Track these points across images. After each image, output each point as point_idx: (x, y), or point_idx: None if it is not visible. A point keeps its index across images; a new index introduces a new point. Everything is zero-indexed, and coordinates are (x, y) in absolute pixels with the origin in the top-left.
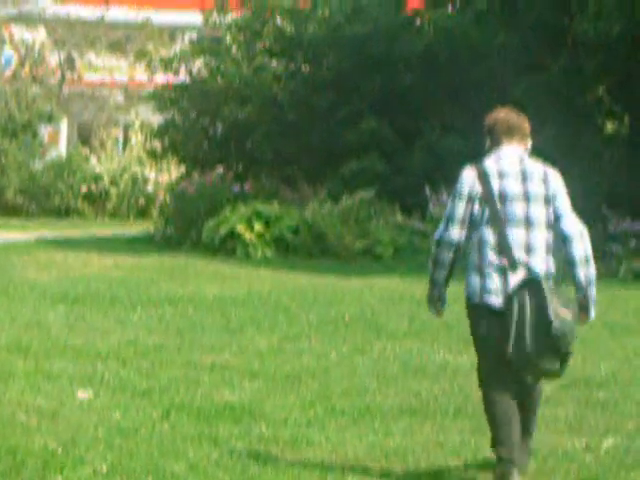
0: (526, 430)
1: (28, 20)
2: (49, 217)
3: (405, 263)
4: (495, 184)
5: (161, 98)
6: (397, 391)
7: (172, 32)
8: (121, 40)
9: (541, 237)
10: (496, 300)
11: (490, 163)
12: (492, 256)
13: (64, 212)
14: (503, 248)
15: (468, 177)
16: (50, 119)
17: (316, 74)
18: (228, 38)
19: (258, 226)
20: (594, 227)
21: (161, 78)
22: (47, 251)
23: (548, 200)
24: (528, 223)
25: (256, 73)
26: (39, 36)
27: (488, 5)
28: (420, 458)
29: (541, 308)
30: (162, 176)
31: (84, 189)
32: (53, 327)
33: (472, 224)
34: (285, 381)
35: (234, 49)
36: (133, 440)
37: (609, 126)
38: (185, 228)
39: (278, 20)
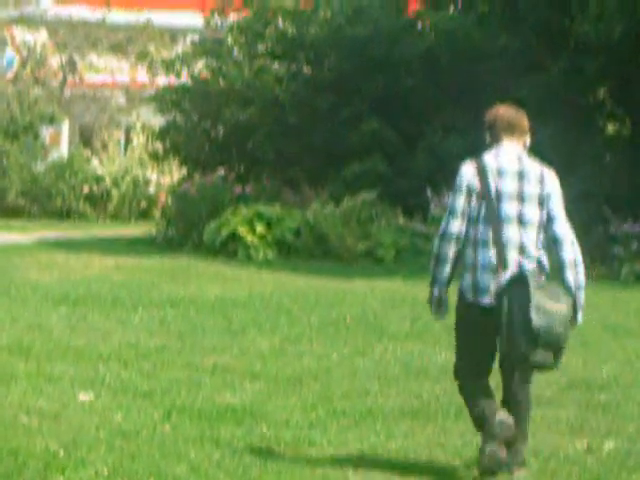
0: (521, 433)
1: (30, 22)
2: (51, 218)
3: (407, 265)
4: (492, 181)
5: (163, 100)
6: (398, 393)
7: (173, 34)
8: (122, 42)
9: (533, 236)
10: (487, 299)
11: (489, 159)
12: (486, 254)
13: (65, 213)
14: (497, 246)
15: (467, 171)
16: (52, 120)
17: (318, 76)
18: (230, 40)
19: (260, 228)
20: (595, 229)
21: (163, 80)
22: (49, 252)
23: (542, 200)
24: (521, 222)
25: (258, 75)
26: (41, 38)
27: (490, 7)
28: (421, 459)
29: (526, 305)
30: (164, 178)
31: (86, 190)
32: (54, 329)
33: (469, 220)
34: (286, 383)
35: (236, 51)
36: (134, 442)
37: (610, 128)
38: (187, 230)
39: (280, 22)
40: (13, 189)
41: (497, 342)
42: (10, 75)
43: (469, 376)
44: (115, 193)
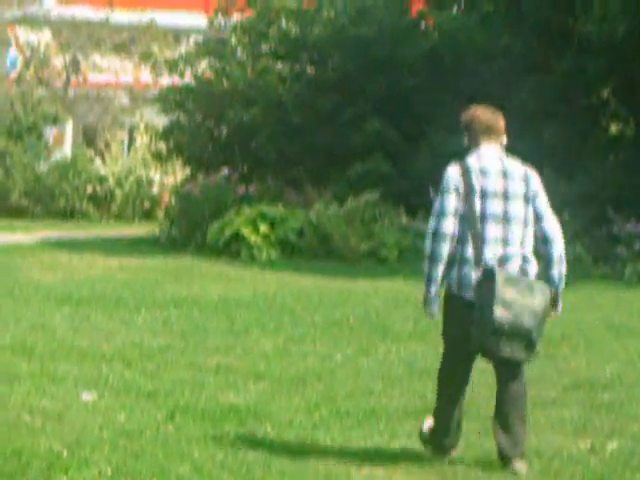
0: (521, 427)
1: (33, 22)
2: (54, 219)
3: (410, 265)
4: (477, 181)
5: (166, 100)
6: (402, 393)
7: (177, 34)
8: (126, 42)
9: (517, 232)
10: (470, 293)
11: (472, 161)
12: (471, 251)
13: (69, 213)
14: (478, 242)
15: (453, 173)
16: (55, 121)
17: (321, 76)
18: (233, 40)
19: (263, 228)
20: (598, 229)
21: (166, 80)
22: (52, 253)
23: (527, 199)
24: (506, 220)
25: (261, 75)
26: (44, 38)
27: (493, 7)
28: (425, 460)
29: (491, 298)
30: (167, 178)
31: (89, 191)
32: (58, 329)
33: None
34: (290, 383)
35: (239, 51)
36: (138, 442)
37: (614, 128)
38: (190, 230)
39: (283, 22)
40: (16, 189)
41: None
42: (13, 75)
43: (452, 369)
44: (118, 193)
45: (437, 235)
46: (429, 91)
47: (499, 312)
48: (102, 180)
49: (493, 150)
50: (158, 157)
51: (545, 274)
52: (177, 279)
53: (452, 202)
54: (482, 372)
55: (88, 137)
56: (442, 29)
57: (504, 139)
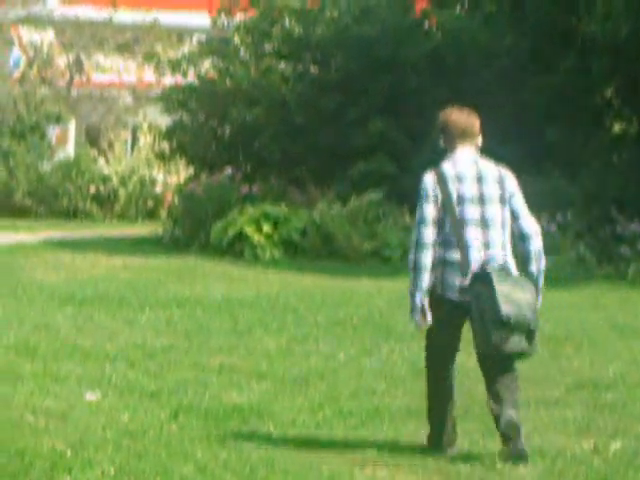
0: (511, 405)
1: (36, 22)
2: (57, 218)
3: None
4: (453, 187)
5: (169, 99)
6: (405, 392)
7: (180, 33)
8: (129, 41)
9: (497, 235)
10: (454, 294)
11: (448, 167)
12: (452, 254)
13: (72, 213)
14: (462, 247)
15: (429, 181)
16: (58, 120)
17: (324, 76)
18: (236, 39)
19: (266, 227)
20: (602, 229)
21: (169, 79)
22: (55, 252)
23: (504, 201)
24: (484, 223)
25: (264, 75)
26: (47, 38)
27: (496, 7)
28: (428, 459)
29: (492, 297)
30: (170, 177)
31: (92, 190)
32: (61, 329)
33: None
34: (293, 383)
35: (242, 50)
36: (141, 442)
37: (617, 127)
38: (193, 229)
39: (286, 21)
40: (20, 189)
41: (461, 335)
42: (17, 75)
43: (438, 368)
44: (122, 193)
45: (419, 245)
46: (432, 91)
47: (504, 307)
48: (105, 180)
49: (468, 153)
50: (161, 157)
51: (524, 270)
52: (180, 279)
53: (430, 211)
54: None
55: (91, 137)
56: (445, 29)
57: (479, 140)
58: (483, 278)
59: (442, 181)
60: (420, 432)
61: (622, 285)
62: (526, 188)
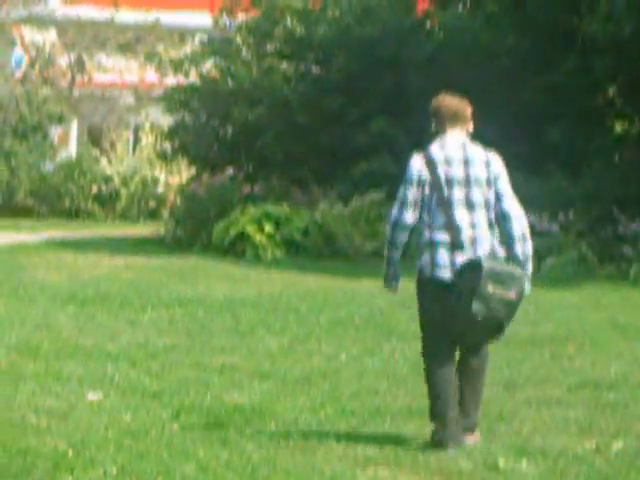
0: (474, 400)
1: (38, 22)
2: (59, 218)
3: (415, 264)
4: (441, 170)
5: (171, 99)
6: (407, 392)
7: (182, 33)
8: (131, 41)
9: (483, 217)
10: (445, 273)
11: (436, 150)
12: (441, 235)
13: (74, 213)
14: (450, 228)
15: (416, 164)
16: (60, 120)
17: (326, 75)
18: (238, 39)
19: (268, 227)
20: (604, 228)
21: (171, 79)
22: (57, 252)
23: (490, 183)
24: (470, 205)
25: (266, 75)
26: (49, 37)
27: (498, 6)
28: (430, 459)
29: (472, 291)
30: (172, 177)
31: (94, 190)
32: (63, 328)
33: (423, 206)
34: (295, 382)
35: (244, 50)
36: (143, 441)
37: (619, 127)
38: (195, 229)
39: (288, 21)
40: (22, 189)
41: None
42: (19, 75)
43: (435, 360)
44: (124, 193)
45: (397, 225)
46: (434, 91)
47: (475, 306)
48: (107, 180)
49: (457, 137)
50: (163, 157)
51: (509, 253)
52: (182, 279)
53: (413, 193)
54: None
55: (93, 137)
56: (447, 28)
57: (470, 126)
58: (475, 268)
59: (430, 164)
60: (422, 432)
61: (624, 285)
62: (528, 188)
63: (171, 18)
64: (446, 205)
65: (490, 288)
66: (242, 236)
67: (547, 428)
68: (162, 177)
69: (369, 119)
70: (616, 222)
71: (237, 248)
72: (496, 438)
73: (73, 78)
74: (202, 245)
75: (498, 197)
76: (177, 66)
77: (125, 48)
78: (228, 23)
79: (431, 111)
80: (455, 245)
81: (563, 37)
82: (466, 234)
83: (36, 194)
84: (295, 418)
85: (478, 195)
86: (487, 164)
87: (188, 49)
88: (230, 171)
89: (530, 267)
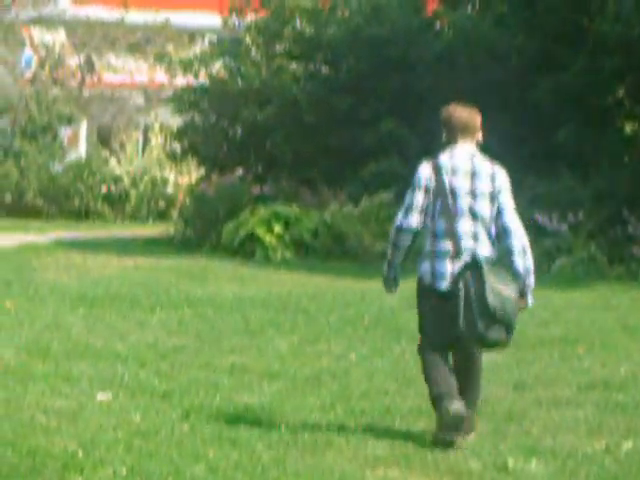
0: (469, 400)
1: (48, 22)
2: (69, 219)
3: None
4: (447, 180)
5: (181, 100)
6: (416, 392)
7: (192, 34)
8: (140, 42)
9: (484, 229)
10: (444, 283)
11: (445, 159)
12: (442, 244)
13: (84, 214)
14: (452, 237)
15: (424, 171)
16: (70, 121)
17: (335, 76)
18: (247, 40)
19: (277, 228)
20: (613, 229)
21: (181, 80)
22: (67, 253)
23: (493, 196)
24: (474, 216)
25: (275, 75)
26: (59, 38)
27: (508, 7)
28: (440, 460)
29: (481, 287)
30: (182, 178)
31: (104, 191)
32: (73, 329)
33: (427, 213)
34: (305, 383)
35: (253, 51)
36: (153, 442)
37: (628, 128)
38: (204, 230)
39: (297, 21)
40: (31, 189)
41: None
42: (28, 75)
43: (430, 352)
44: (133, 193)
45: (402, 229)
46: (443, 91)
47: (491, 299)
48: (117, 180)
49: (467, 148)
50: (173, 157)
51: (509, 267)
52: (192, 279)
53: (420, 199)
54: (494, 372)
55: (103, 137)
56: (456, 28)
57: (480, 136)
58: (474, 268)
59: (437, 172)
60: (432, 432)
61: (633, 286)
62: (537, 189)
63: (181, 18)
64: (449, 214)
65: (495, 282)
66: (251, 237)
67: (557, 428)
68: (171, 177)
69: (378, 119)
70: (626, 222)
71: (246, 248)
72: (506, 438)
73: (82, 78)
74: (211, 245)
75: (499, 211)
76: (186, 66)
77: (135, 48)
78: (237, 23)
79: (442, 121)
80: (456, 255)
81: (572, 37)
82: (467, 244)
83: (45, 194)
84: (305, 418)
85: (482, 207)
86: (492, 178)
87: (197, 49)
88: (239, 171)
89: (532, 280)
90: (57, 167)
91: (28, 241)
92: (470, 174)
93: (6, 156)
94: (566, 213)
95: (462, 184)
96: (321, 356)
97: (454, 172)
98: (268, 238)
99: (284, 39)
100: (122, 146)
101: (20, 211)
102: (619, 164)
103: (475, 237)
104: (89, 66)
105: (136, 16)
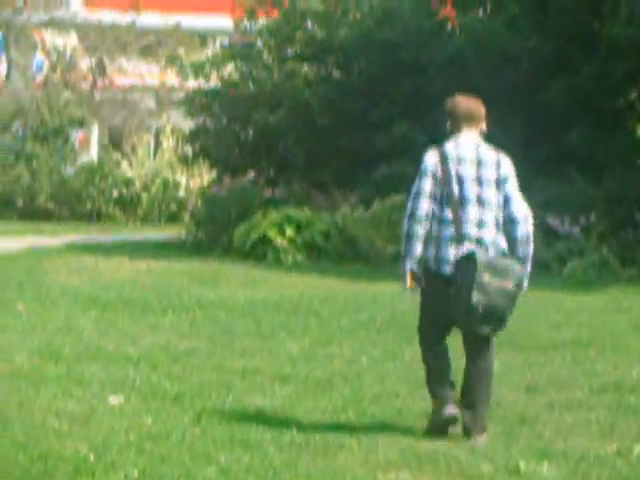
0: (480, 400)
1: (59, 25)
2: (80, 222)
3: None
4: (453, 168)
5: (192, 103)
6: (428, 395)
7: (203, 37)
8: (152, 45)
9: (491, 216)
10: (447, 268)
11: (450, 148)
12: (448, 230)
13: (95, 217)
14: (458, 224)
15: (431, 158)
16: (81, 124)
17: (347, 79)
18: (259, 43)
19: (289, 231)
20: (625, 232)
21: (192, 83)
22: (78, 256)
23: (499, 184)
24: (480, 203)
25: (287, 78)
26: (70, 41)
27: (520, 9)
28: (451, 462)
29: (470, 283)
30: (193, 181)
31: (115, 194)
32: (84, 332)
33: (433, 200)
34: (316, 386)
35: (265, 54)
36: (164, 445)
37: (639, 130)
38: (216, 233)
39: (309, 24)
40: (43, 192)
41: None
42: (40, 79)
43: (430, 342)
44: (145, 196)
45: (414, 216)
46: (455, 93)
47: (475, 296)
48: (128, 183)
49: (472, 137)
50: (184, 160)
51: (511, 254)
52: (203, 282)
53: (428, 185)
54: (506, 375)
55: (114, 140)
56: (467, 31)
57: (484, 126)
58: (470, 260)
59: (443, 160)
60: (443, 436)
61: None
62: (549, 191)
63: (192, 21)
64: (455, 202)
65: (486, 278)
66: (263, 239)
67: (569, 431)
68: (183, 180)
69: (390, 122)
70: (637, 225)
71: (258, 251)
72: (517, 441)
73: (94, 81)
74: (223, 249)
75: (506, 200)
76: (198, 70)
77: (146, 52)
78: (249, 26)
79: (446, 111)
80: (459, 241)
81: (584, 40)
82: (472, 231)
83: (57, 198)
84: (316, 421)
85: (488, 195)
86: (497, 165)
87: (209, 52)
88: (251, 174)
89: (529, 266)
90: (69, 170)
91: (40, 244)
92: (476, 162)
93: (18, 159)
94: (578, 216)
95: (468, 172)
96: (333, 359)
97: (460, 160)
98: (280, 241)
99: (295, 42)
100: (133, 149)
101: (32, 214)
102: (630, 166)
103: (480, 224)
104: (100, 69)
105: (147, 19)
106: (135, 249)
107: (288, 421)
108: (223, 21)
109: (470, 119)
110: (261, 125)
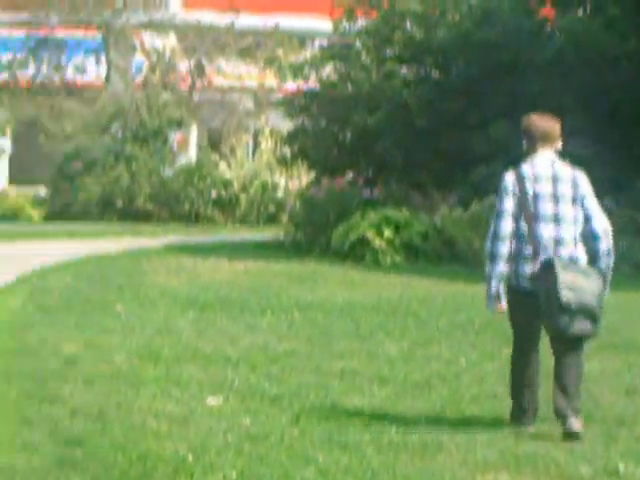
0: (565, 384)
1: (159, 27)
2: (179, 223)
3: None
4: (530, 187)
5: (291, 104)
6: None
7: (302, 38)
8: (251, 46)
9: (568, 232)
10: (527, 283)
11: (527, 167)
12: (526, 247)
13: (194, 218)
14: (535, 240)
15: (510, 178)
16: (180, 125)
17: (446, 79)
18: (358, 44)
19: (387, 232)
20: None
21: (291, 84)
22: (177, 257)
23: (575, 200)
24: (557, 220)
25: (386, 79)
26: (169, 42)
27: (620, 10)
28: (550, 464)
29: (554, 283)
30: (292, 182)
31: (214, 195)
32: (183, 333)
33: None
34: (415, 387)
35: (363, 55)
36: (263, 446)
37: None
38: (314, 234)
39: (408, 26)
40: (142, 194)
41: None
42: (139, 80)
43: (521, 355)
44: (243, 197)
45: (497, 236)
46: (554, 94)
47: (565, 294)
48: (227, 184)
49: (547, 156)
50: (283, 161)
51: (593, 266)
52: (301, 283)
53: (509, 205)
54: (605, 377)
55: (213, 141)
56: (567, 32)
57: (559, 144)
58: (548, 267)
59: (520, 180)
60: (543, 436)
61: None
62: None
63: (290, 23)
64: (533, 220)
65: (569, 276)
66: (362, 240)
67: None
68: (282, 182)
69: (488, 123)
70: None
71: (356, 252)
72: (617, 443)
73: (193, 83)
74: (321, 250)
75: (587, 217)
76: (297, 71)
77: (245, 53)
78: (347, 28)
79: (522, 130)
80: (537, 257)
81: None
82: (549, 247)
83: (156, 199)
84: (414, 422)
85: (565, 211)
86: (574, 183)
87: (307, 54)
88: (349, 175)
89: (609, 276)
90: (167, 171)
91: (139, 245)
92: (552, 179)
93: (117, 161)
94: None
95: (545, 190)
96: (431, 360)
97: (536, 179)
98: (378, 242)
99: (394, 43)
100: (232, 150)
101: (131, 215)
102: None
103: (557, 240)
104: (199, 70)
105: (246, 20)
106: (233, 250)
107: (386, 422)
108: (321, 22)
109: (545, 138)
110: (359, 126)
